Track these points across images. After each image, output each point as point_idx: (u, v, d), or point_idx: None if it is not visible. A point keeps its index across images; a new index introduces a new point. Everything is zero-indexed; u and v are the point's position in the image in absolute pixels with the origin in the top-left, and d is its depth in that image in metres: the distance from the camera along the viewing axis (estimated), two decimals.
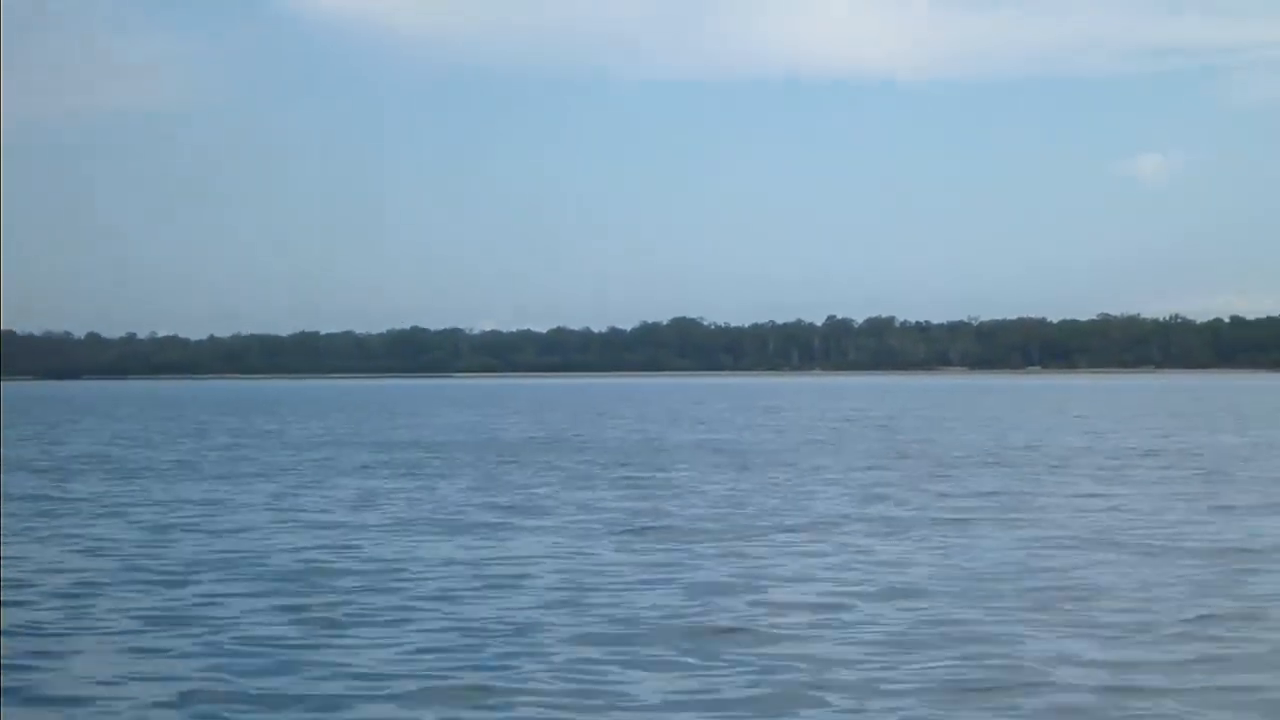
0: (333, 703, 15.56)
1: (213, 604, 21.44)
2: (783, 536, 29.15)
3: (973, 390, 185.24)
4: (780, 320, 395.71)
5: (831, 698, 15.65)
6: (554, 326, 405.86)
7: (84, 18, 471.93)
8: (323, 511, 35.12)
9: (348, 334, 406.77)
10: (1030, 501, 35.84)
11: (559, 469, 48.55)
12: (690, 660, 17.32)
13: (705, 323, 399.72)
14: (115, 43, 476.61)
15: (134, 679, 16.66)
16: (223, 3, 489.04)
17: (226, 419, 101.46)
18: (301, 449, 62.50)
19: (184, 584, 23.39)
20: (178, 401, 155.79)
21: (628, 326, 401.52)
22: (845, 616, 19.92)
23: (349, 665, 17.15)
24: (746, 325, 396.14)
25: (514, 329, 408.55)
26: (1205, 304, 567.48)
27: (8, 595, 22.10)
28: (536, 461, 52.54)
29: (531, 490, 40.35)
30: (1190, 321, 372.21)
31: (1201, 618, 19.53)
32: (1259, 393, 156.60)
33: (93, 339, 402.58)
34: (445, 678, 16.56)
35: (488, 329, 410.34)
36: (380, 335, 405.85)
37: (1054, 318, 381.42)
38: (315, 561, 25.85)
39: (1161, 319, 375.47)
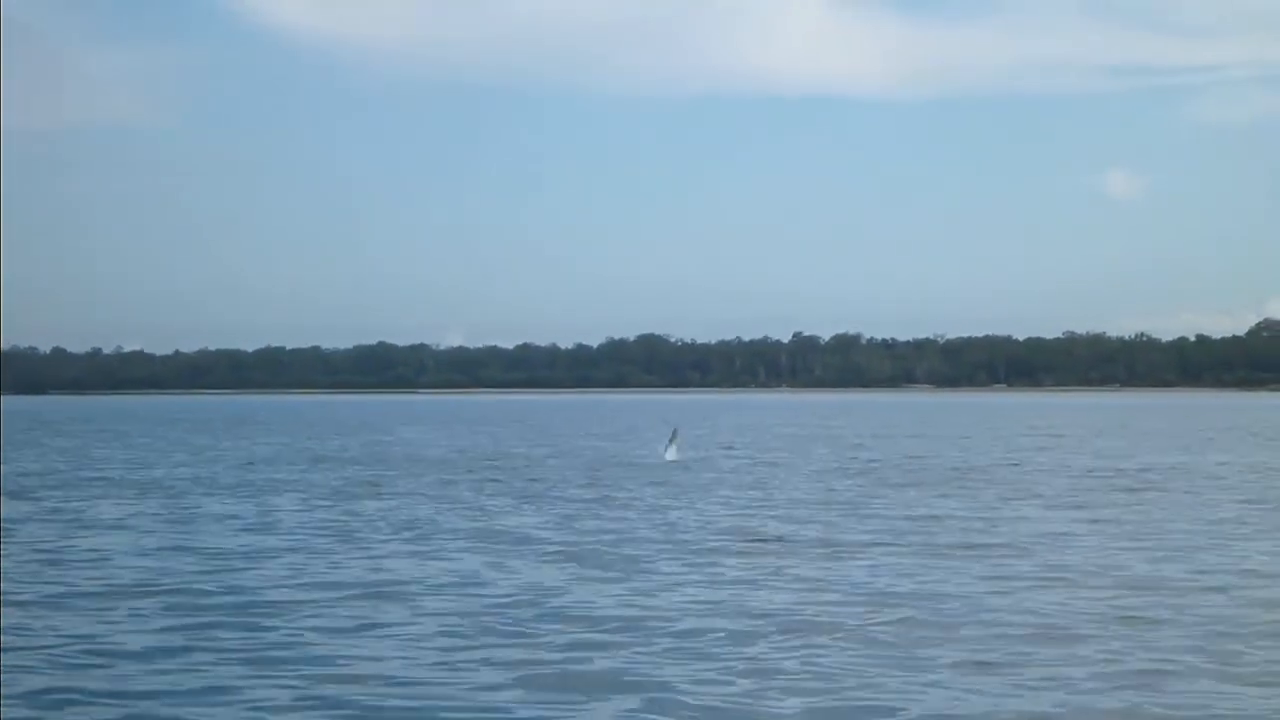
0: None
1: None
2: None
3: (937, 408, 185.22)
4: (747, 337, 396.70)
5: None
6: (520, 342, 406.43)
7: (49, 32, 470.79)
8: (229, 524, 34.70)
9: (314, 349, 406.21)
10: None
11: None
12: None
13: (672, 339, 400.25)
14: (81, 57, 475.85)
15: None
16: (188, 18, 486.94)
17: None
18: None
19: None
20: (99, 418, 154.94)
21: (594, 343, 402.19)
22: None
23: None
24: (713, 342, 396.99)
25: (480, 345, 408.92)
26: (1171, 323, 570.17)
27: None
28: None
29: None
30: (1156, 340, 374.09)
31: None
32: (1221, 412, 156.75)
33: (58, 354, 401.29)
34: None
35: (454, 345, 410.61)
36: (346, 351, 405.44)
37: (1020, 335, 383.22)
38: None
39: (1127, 337, 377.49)
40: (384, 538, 32.52)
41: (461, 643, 19.63)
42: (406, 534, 33.26)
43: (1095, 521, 35.47)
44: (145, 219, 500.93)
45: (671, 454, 63.54)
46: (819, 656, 18.49)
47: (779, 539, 31.79)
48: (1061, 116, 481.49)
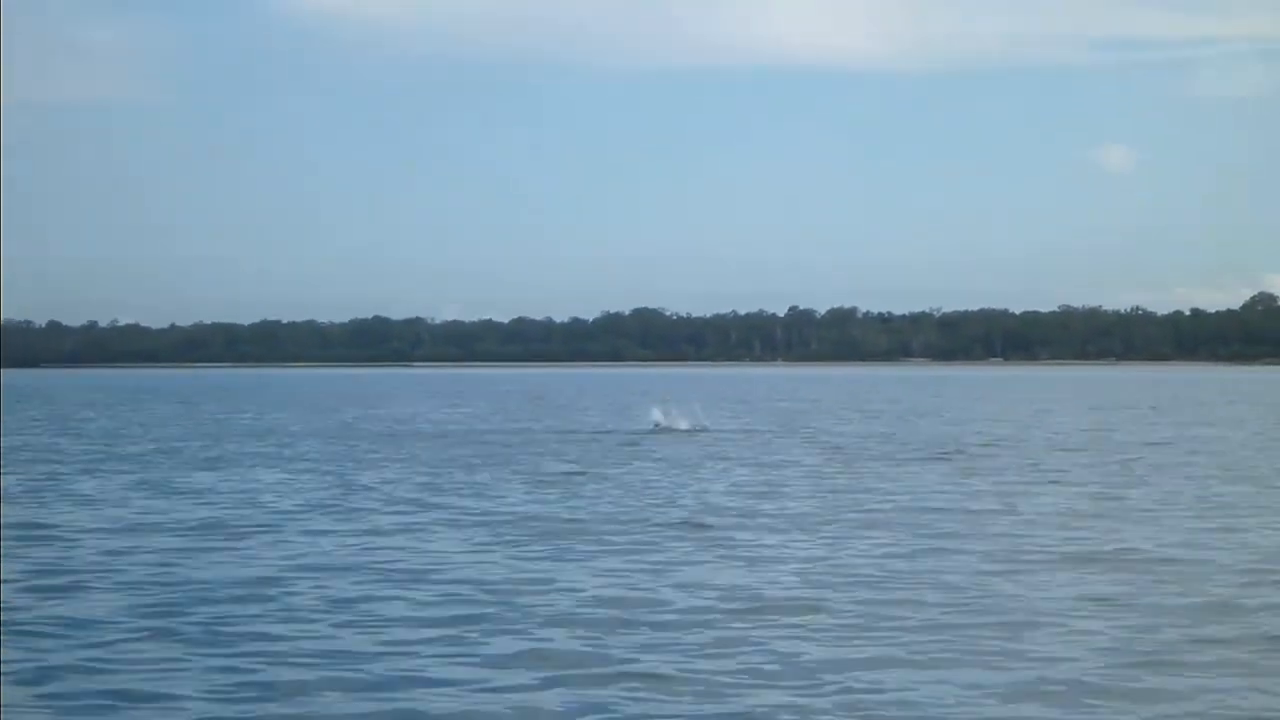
0: None
1: None
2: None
3: (934, 381, 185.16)
4: (743, 311, 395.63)
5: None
6: (516, 316, 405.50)
7: (48, 5, 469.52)
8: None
9: (310, 323, 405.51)
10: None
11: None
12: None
13: (667, 313, 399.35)
14: (78, 31, 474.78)
15: None
16: None
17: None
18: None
19: None
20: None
21: (589, 317, 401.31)
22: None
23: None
24: (709, 315, 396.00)
25: (476, 319, 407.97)
26: (1166, 297, 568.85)
27: None
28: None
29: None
30: (1151, 314, 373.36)
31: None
32: (1217, 385, 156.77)
33: (54, 327, 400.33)
34: None
35: (450, 319, 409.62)
36: (342, 325, 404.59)
37: (1016, 309, 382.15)
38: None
39: (1123, 311, 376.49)
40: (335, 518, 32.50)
41: (410, 619, 19.60)
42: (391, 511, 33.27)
43: (1091, 498, 35.44)
44: (142, 193, 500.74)
45: (682, 424, 63.55)
46: (783, 639, 18.45)
47: (756, 516, 31.77)
48: (1059, 90, 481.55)
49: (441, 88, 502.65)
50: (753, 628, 19.01)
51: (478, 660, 17.35)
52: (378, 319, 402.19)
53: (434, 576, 23.38)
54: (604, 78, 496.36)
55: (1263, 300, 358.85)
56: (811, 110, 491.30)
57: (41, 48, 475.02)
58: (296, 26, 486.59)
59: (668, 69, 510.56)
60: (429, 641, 18.33)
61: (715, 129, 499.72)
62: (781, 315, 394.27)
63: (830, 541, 27.45)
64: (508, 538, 28.27)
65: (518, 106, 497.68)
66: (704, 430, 63.85)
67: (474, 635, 18.72)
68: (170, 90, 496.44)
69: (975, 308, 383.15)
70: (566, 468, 45.62)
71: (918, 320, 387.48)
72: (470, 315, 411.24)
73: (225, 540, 28.23)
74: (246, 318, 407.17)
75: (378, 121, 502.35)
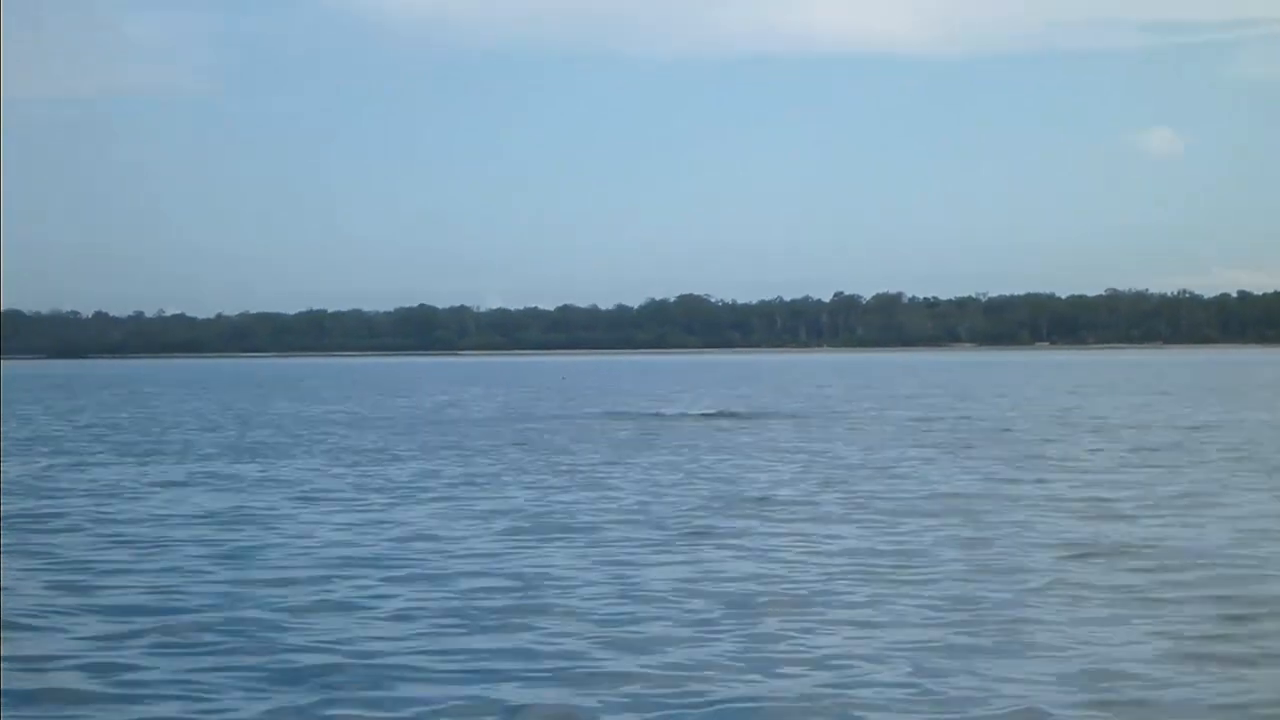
0: None
1: None
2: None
3: (981, 366, 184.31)
4: (788, 297, 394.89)
5: None
6: (561, 304, 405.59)
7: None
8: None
9: (355, 312, 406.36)
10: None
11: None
12: None
13: (713, 300, 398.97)
14: (123, 24, 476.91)
15: None
16: None
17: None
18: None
19: None
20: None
21: (635, 304, 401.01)
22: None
23: None
24: (754, 302, 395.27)
25: (521, 306, 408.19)
26: (1213, 279, 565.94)
27: None
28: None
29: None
30: (1198, 297, 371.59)
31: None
32: (1267, 368, 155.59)
33: (100, 318, 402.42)
34: None
35: (495, 307, 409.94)
36: (388, 313, 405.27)
37: (1062, 293, 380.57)
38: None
39: (1169, 294, 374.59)
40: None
41: (405, 608, 19.43)
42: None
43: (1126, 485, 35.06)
44: (187, 184, 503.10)
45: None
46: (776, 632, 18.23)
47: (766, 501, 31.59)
48: (1104, 73, 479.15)
49: (485, 78, 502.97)
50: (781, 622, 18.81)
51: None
52: (423, 307, 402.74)
53: (465, 571, 23.20)
54: (649, 66, 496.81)
55: None
56: (855, 95, 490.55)
57: (86, 40, 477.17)
58: (338, 16, 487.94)
59: (708, 56, 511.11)
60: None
61: (757, 115, 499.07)
62: (827, 301, 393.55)
63: (872, 533, 27.16)
64: (515, 530, 28.08)
65: (560, 96, 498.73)
66: (719, 414, 64.71)
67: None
68: (211, 80, 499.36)
69: (1021, 292, 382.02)
70: (594, 457, 45.48)
71: (964, 305, 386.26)
72: (515, 303, 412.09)
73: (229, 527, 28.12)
74: (292, 307, 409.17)
75: (420, 111, 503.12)
